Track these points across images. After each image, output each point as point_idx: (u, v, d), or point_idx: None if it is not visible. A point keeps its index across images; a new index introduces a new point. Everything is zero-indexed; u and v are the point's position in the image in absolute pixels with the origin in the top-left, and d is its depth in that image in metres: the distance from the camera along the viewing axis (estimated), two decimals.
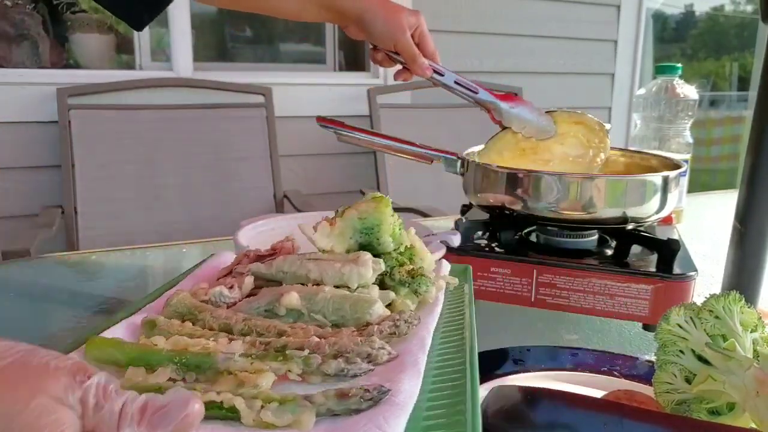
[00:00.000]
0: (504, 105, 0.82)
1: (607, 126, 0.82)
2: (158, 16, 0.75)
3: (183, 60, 2.02)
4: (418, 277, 0.45)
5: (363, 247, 0.45)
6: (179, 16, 2.00)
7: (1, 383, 0.27)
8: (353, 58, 2.51)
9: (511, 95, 0.83)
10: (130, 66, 2.19)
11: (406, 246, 0.47)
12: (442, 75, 0.84)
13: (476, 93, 0.82)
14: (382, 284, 0.44)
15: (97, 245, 1.73)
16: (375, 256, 0.44)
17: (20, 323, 0.70)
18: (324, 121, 0.79)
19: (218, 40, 2.54)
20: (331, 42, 2.46)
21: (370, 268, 0.42)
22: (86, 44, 2.16)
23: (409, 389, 0.34)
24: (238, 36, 2.58)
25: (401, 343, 0.39)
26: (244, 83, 2.00)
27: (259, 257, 0.48)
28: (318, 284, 0.41)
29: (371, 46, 0.85)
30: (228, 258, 0.52)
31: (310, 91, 2.19)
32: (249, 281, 0.44)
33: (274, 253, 0.48)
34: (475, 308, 0.70)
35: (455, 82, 0.83)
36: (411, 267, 0.46)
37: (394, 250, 0.46)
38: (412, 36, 0.81)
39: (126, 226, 1.81)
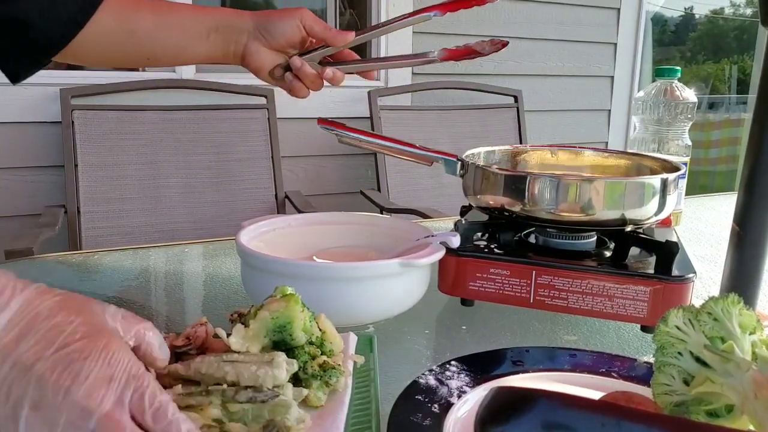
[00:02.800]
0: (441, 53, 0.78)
1: None
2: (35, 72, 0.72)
3: None
4: (329, 369, 0.48)
5: (276, 343, 0.48)
6: None
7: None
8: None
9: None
10: (133, 68, 2.19)
11: (317, 336, 0.50)
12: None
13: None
14: (296, 376, 0.47)
15: (100, 245, 1.74)
16: (289, 349, 0.47)
17: None
18: (325, 122, 0.80)
19: None
20: None
21: (283, 369, 0.44)
22: None
23: None
24: None
25: None
26: (246, 85, 2.00)
27: (174, 347, 0.49)
28: (235, 385, 0.44)
29: (279, 75, 0.81)
30: None
31: (311, 93, 2.19)
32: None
33: (189, 342, 0.49)
34: (476, 305, 0.71)
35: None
36: (323, 360, 0.49)
37: (307, 341, 0.49)
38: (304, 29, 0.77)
39: (128, 226, 1.81)
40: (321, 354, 0.49)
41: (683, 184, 1.11)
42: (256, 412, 0.43)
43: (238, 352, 0.46)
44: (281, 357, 0.45)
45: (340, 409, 0.47)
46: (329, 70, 0.80)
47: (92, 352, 0.35)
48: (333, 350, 0.51)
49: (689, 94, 1.07)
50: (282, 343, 0.48)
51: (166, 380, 0.45)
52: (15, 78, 0.71)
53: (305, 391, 0.46)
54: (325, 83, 0.81)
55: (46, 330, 0.35)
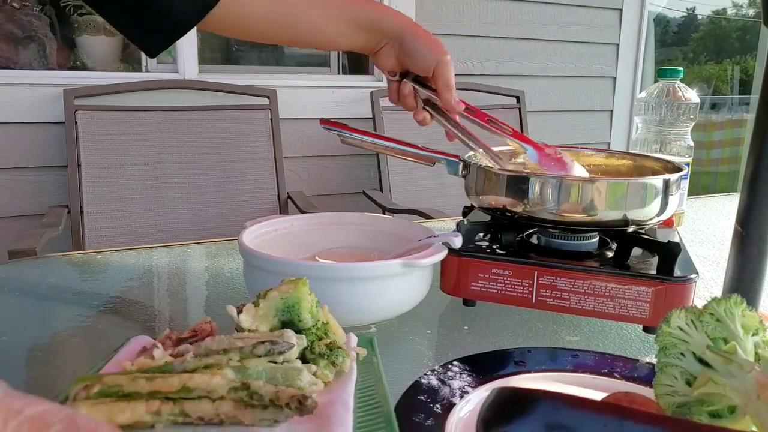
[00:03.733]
0: (533, 155, 0.78)
1: None
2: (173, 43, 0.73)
3: (188, 62, 2.03)
4: (336, 349, 0.49)
5: (285, 324, 0.50)
6: None
7: None
8: (356, 62, 2.52)
9: (547, 146, 0.78)
10: (136, 68, 2.20)
11: (323, 322, 0.52)
12: (473, 112, 0.80)
13: (509, 134, 0.79)
14: (302, 358, 0.48)
15: (103, 245, 1.74)
16: (296, 332, 0.49)
17: (26, 322, 0.71)
18: (327, 123, 0.80)
19: (223, 43, 2.55)
20: None
21: (294, 341, 0.46)
22: (93, 46, 2.17)
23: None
24: (242, 40, 2.59)
25: (325, 408, 0.44)
26: (248, 86, 2.01)
27: (180, 339, 0.50)
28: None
29: (394, 77, 0.80)
30: (147, 342, 0.53)
31: (313, 93, 2.19)
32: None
33: (195, 334, 0.51)
34: (478, 305, 0.71)
35: (488, 120, 0.80)
36: (329, 341, 0.50)
37: (313, 325, 0.51)
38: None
39: (131, 226, 1.81)
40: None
41: (685, 184, 1.10)
42: (270, 375, 0.44)
43: (248, 331, 0.48)
44: (290, 332, 0.47)
45: (348, 381, 0.48)
46: (426, 114, 0.82)
47: None
48: (336, 342, 0.52)
49: (691, 95, 1.07)
50: (290, 324, 0.50)
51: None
52: (151, 53, 0.72)
53: (313, 367, 0.47)
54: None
55: None
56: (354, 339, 0.56)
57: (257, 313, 0.50)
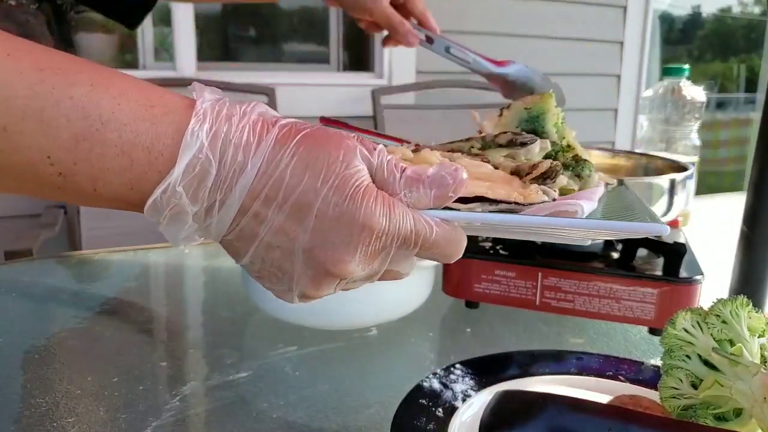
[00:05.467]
0: (501, 71, 0.77)
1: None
2: (150, 13, 0.73)
3: (186, 59, 2.03)
4: (582, 161, 0.46)
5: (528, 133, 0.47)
6: (183, 15, 2.00)
7: (314, 140, 0.33)
8: (357, 58, 2.51)
9: (506, 61, 0.78)
10: (134, 65, 2.19)
11: (568, 143, 0.49)
12: (432, 42, 0.77)
13: (469, 62, 0.77)
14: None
15: (100, 245, 1.73)
16: None
17: (23, 324, 0.70)
18: (328, 121, 0.79)
19: (222, 39, 2.55)
20: (335, 42, 2.46)
21: (537, 144, 0.44)
22: (90, 44, 2.17)
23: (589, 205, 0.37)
24: (241, 35, 2.59)
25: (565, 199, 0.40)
26: (247, 83, 2.00)
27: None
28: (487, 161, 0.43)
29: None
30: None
31: (313, 91, 2.19)
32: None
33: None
34: (481, 307, 0.70)
35: (446, 50, 0.77)
36: (575, 153, 0.47)
37: (558, 141, 0.48)
38: None
39: (128, 227, 1.81)
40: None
41: (691, 184, 1.09)
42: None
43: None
44: (535, 136, 0.45)
45: (595, 190, 0.45)
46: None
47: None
48: (582, 155, 0.48)
49: (697, 93, 1.06)
50: (533, 134, 0.47)
51: None
52: (131, 26, 0.74)
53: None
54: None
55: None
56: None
57: (500, 122, 0.48)
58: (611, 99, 2.84)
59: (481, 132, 0.49)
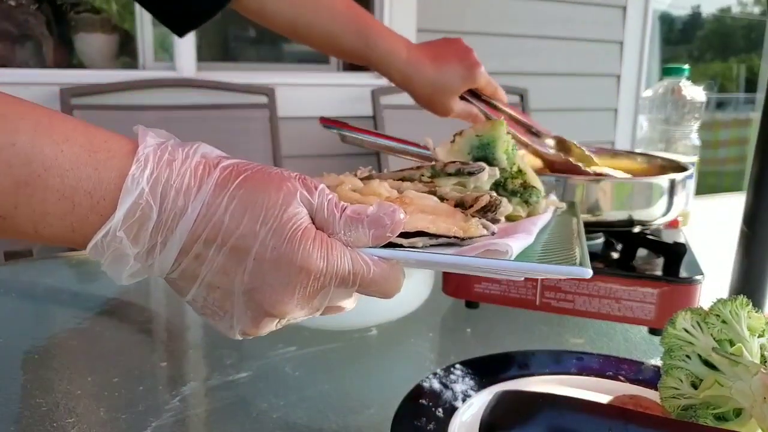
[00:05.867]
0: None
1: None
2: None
3: (186, 60, 2.02)
4: (530, 188, 0.48)
5: (478, 161, 0.49)
6: None
7: (254, 183, 0.34)
8: None
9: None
10: (134, 66, 2.19)
11: (519, 168, 0.50)
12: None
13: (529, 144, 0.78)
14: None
15: None
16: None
17: (23, 324, 0.70)
18: (327, 121, 0.79)
19: (221, 40, 2.55)
20: None
21: (485, 173, 0.45)
22: (90, 44, 2.16)
23: (523, 242, 0.38)
24: (241, 36, 2.58)
25: (506, 230, 0.41)
26: (247, 84, 2.00)
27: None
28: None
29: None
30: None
31: (313, 91, 2.19)
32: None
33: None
34: (481, 307, 0.70)
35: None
36: (523, 180, 0.49)
37: (508, 168, 0.49)
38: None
39: None
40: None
41: (691, 184, 1.10)
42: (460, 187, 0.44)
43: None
44: (483, 164, 0.46)
45: (539, 218, 0.46)
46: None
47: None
48: (531, 182, 0.49)
49: (697, 93, 1.06)
50: (484, 162, 0.48)
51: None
52: (180, 34, 0.76)
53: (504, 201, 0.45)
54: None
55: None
56: (553, 195, 0.54)
57: (452, 148, 0.50)
58: (611, 99, 2.83)
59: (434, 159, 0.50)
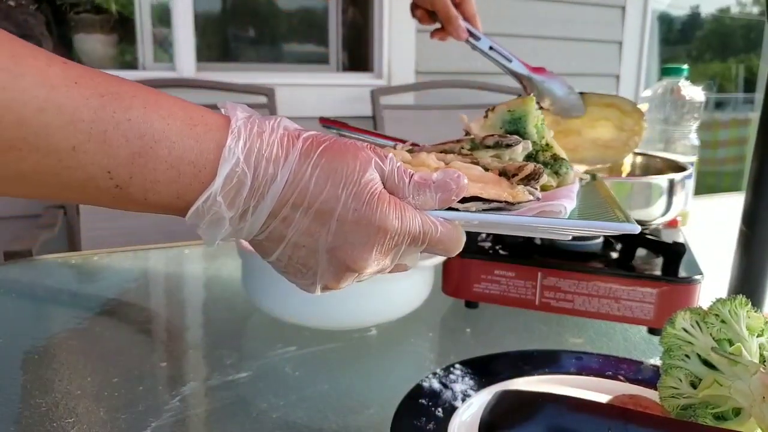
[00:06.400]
0: (536, 77, 0.81)
1: (643, 107, 0.81)
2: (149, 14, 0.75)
3: (186, 60, 2.02)
4: (560, 160, 0.50)
5: (511, 134, 0.51)
6: (183, 15, 2.00)
7: (334, 152, 0.37)
8: (357, 59, 2.51)
9: (543, 69, 0.83)
10: (133, 66, 2.19)
11: (547, 142, 0.53)
12: (478, 39, 0.85)
13: (510, 62, 0.83)
14: None
15: (99, 246, 1.73)
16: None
17: (22, 324, 0.70)
18: (327, 122, 0.79)
19: (221, 40, 2.55)
20: (335, 42, 2.46)
21: (520, 145, 0.48)
22: (89, 44, 2.16)
23: (569, 205, 0.41)
24: (241, 36, 2.58)
25: (547, 197, 0.44)
26: (247, 84, 2.00)
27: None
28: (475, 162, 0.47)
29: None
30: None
31: (313, 91, 2.19)
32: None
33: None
34: (481, 307, 0.70)
35: (490, 48, 0.85)
36: (553, 153, 0.52)
37: (538, 141, 0.52)
38: None
39: (128, 227, 1.81)
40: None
41: (690, 184, 1.10)
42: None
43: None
44: (519, 137, 0.49)
45: (573, 186, 0.48)
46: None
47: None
48: (560, 154, 0.52)
49: (696, 93, 1.06)
50: (515, 135, 0.51)
51: None
52: None
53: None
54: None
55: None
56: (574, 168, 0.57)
57: (485, 123, 0.53)
58: None
59: (467, 132, 0.53)
